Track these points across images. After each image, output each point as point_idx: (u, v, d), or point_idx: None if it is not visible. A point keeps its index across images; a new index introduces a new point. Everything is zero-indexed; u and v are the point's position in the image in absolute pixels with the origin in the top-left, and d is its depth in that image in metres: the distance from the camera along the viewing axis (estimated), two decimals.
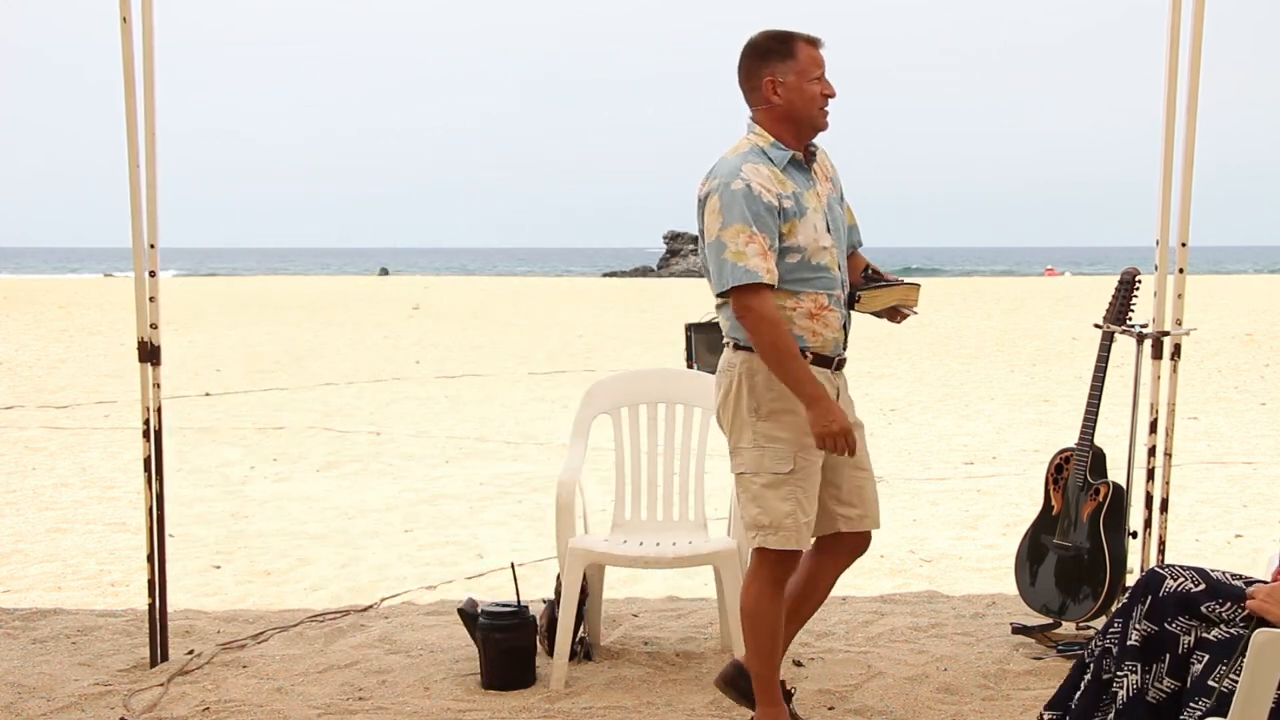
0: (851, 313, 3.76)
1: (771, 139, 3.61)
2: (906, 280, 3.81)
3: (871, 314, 3.81)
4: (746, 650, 3.75)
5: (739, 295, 3.51)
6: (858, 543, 3.83)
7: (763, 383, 3.58)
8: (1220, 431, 10.27)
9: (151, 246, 4.41)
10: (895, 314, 3.82)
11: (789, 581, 3.75)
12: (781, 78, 3.59)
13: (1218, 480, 8.19)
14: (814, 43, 3.63)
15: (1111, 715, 3.14)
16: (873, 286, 3.77)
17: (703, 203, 3.57)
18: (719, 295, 3.58)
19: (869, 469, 3.82)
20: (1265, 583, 3.12)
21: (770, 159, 3.58)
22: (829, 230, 3.64)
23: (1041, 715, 3.40)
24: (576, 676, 4.36)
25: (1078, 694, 3.28)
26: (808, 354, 3.58)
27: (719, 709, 4.07)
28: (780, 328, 3.52)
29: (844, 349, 3.72)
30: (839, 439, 3.50)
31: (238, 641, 4.77)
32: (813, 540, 3.76)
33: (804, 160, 3.65)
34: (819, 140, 3.73)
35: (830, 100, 3.62)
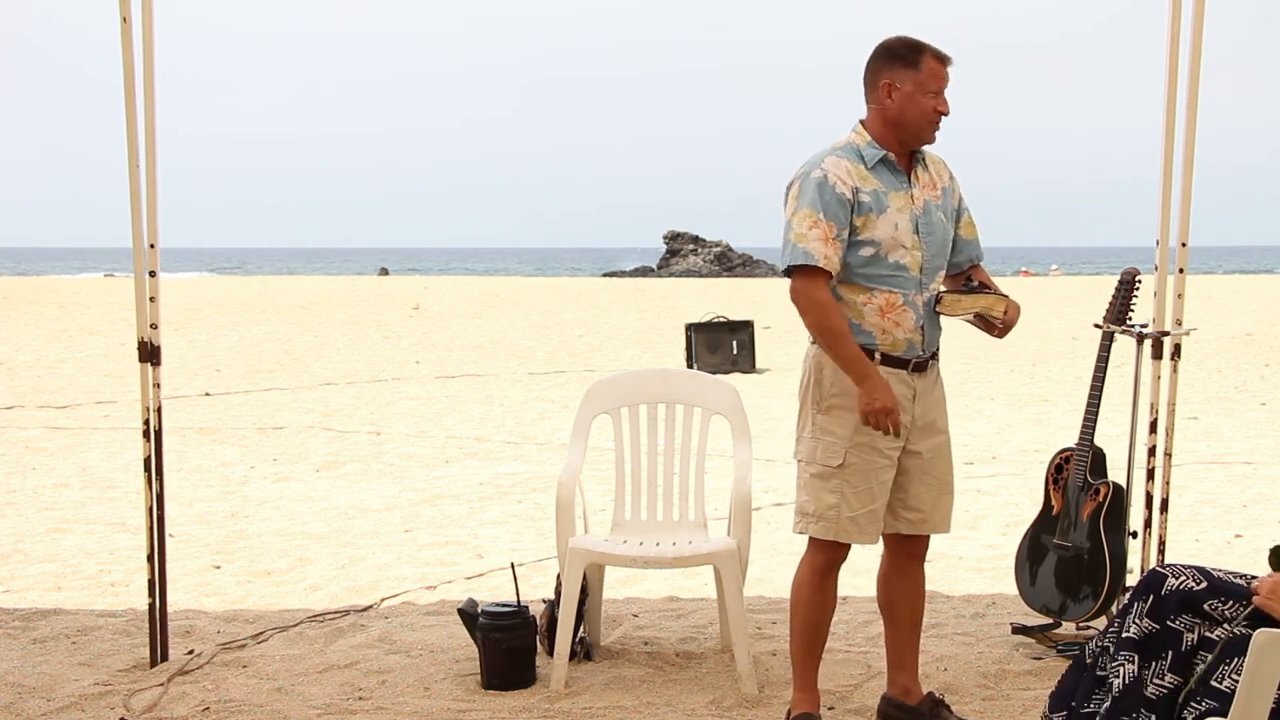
0: (941, 317, 3.80)
1: (870, 138, 3.71)
2: (997, 291, 3.79)
3: (962, 318, 3.81)
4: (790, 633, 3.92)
5: (795, 276, 3.63)
6: (917, 545, 3.93)
7: (829, 376, 3.70)
8: (1220, 431, 10.27)
9: (151, 246, 4.41)
10: (988, 325, 3.83)
11: (878, 586, 3.98)
12: (900, 84, 3.67)
13: (1218, 480, 8.18)
14: (942, 59, 3.69)
15: (1108, 704, 3.14)
16: (958, 291, 3.80)
17: (787, 190, 3.71)
18: (785, 275, 3.71)
19: (943, 477, 3.85)
20: (1268, 577, 3.11)
21: (861, 156, 3.69)
22: (916, 232, 3.69)
23: (1046, 714, 3.40)
24: (576, 676, 4.36)
25: (1077, 693, 3.28)
26: (876, 354, 3.67)
27: (719, 709, 4.07)
28: (829, 311, 3.62)
29: (923, 351, 3.75)
30: (880, 416, 3.59)
31: (238, 641, 4.77)
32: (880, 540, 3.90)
33: (899, 163, 3.72)
34: (937, 151, 3.83)
35: (942, 117, 3.70)
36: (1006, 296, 3.79)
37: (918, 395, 3.75)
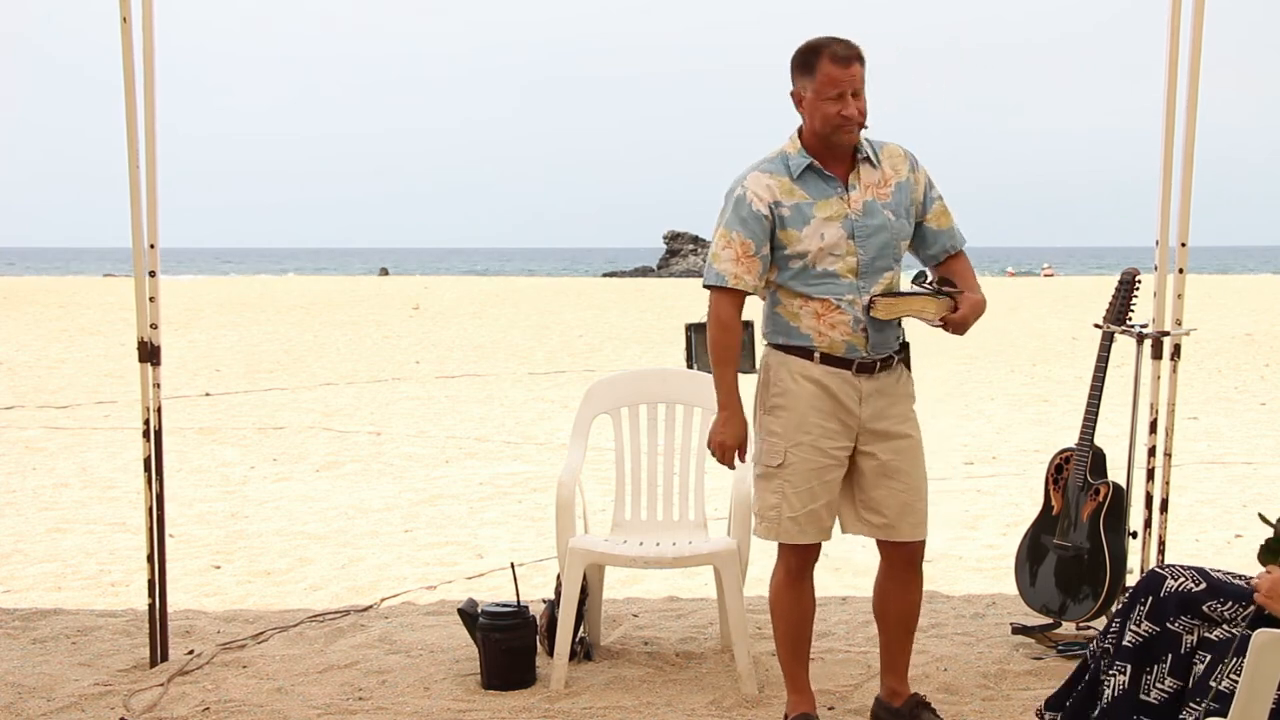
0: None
1: (799, 146, 3.70)
2: (924, 292, 3.71)
3: (900, 319, 3.75)
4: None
5: (710, 294, 3.73)
6: (900, 551, 3.87)
7: (771, 377, 3.74)
8: (1220, 431, 10.27)
9: (151, 246, 4.41)
10: (943, 323, 3.76)
11: (874, 588, 3.97)
12: (804, 91, 3.66)
13: (1218, 480, 8.18)
14: (841, 60, 3.57)
15: (1095, 714, 3.14)
16: (893, 293, 3.73)
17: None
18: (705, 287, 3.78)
19: (907, 482, 3.80)
20: (1267, 574, 3.11)
21: (787, 167, 3.67)
22: (851, 237, 3.65)
23: (1041, 712, 3.40)
24: (576, 676, 4.36)
25: (1074, 694, 3.28)
26: (815, 354, 3.67)
27: (719, 709, 4.07)
28: (726, 331, 3.71)
29: (866, 353, 3.70)
30: (719, 449, 3.74)
31: (238, 641, 4.77)
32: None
33: (833, 168, 3.67)
34: (903, 142, 3.79)
35: (852, 119, 3.60)
36: (933, 298, 3.68)
37: (865, 397, 3.71)
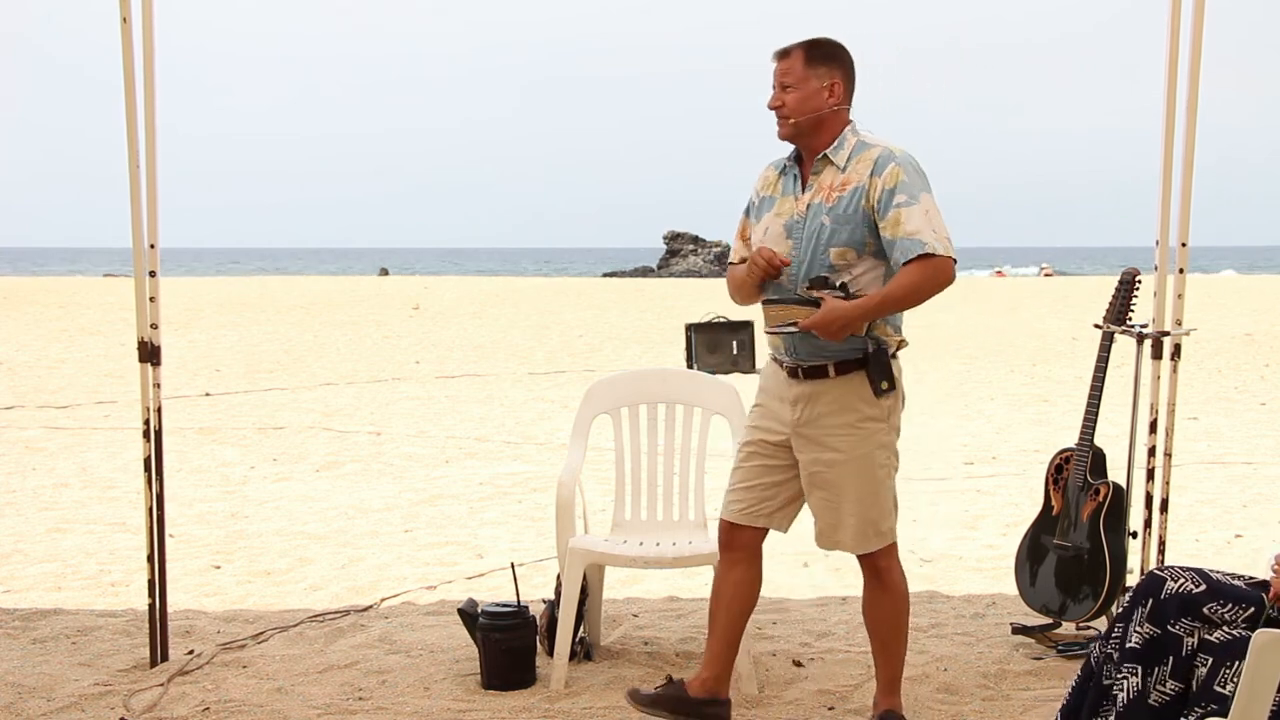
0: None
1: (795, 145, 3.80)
2: (799, 300, 3.64)
3: (782, 326, 3.68)
4: None
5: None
6: (861, 561, 3.85)
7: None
8: (1220, 431, 10.27)
9: (151, 246, 4.41)
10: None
11: None
12: None
13: (1218, 480, 8.18)
14: (774, 56, 3.72)
15: (1112, 718, 3.14)
16: (776, 301, 3.70)
17: None
18: None
19: (836, 496, 3.72)
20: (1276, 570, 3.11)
21: (784, 160, 3.81)
22: (789, 238, 3.69)
23: None
24: (576, 676, 4.36)
25: (1086, 704, 3.26)
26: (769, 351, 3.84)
27: None
28: (732, 281, 3.89)
29: (787, 356, 3.71)
30: (756, 258, 3.71)
31: (238, 641, 4.77)
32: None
33: (803, 167, 3.73)
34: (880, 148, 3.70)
35: (772, 109, 3.71)
36: (795, 304, 3.62)
37: (796, 401, 3.72)
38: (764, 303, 3.74)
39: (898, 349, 3.74)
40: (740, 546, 3.87)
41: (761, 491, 3.82)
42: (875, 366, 3.65)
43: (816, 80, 3.65)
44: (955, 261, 3.59)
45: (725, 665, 3.89)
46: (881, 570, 3.81)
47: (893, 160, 3.61)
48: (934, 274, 3.54)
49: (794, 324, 3.61)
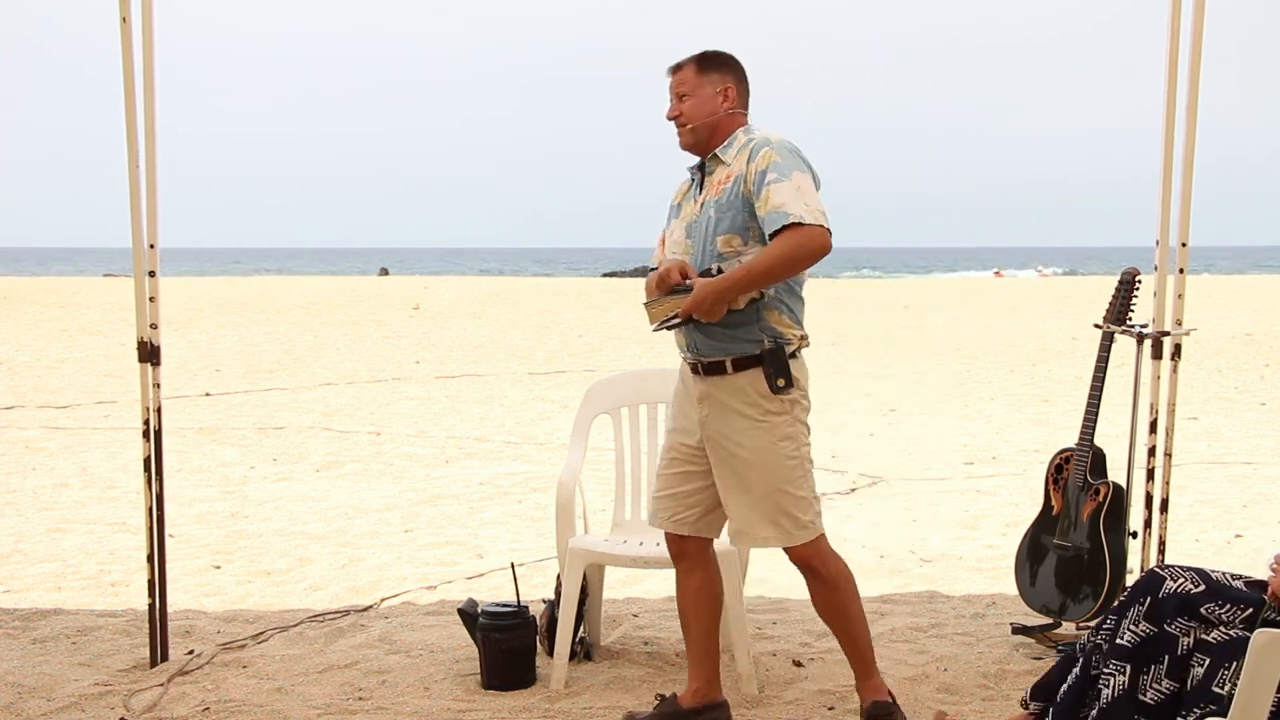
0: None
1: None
2: (674, 293, 3.68)
3: (666, 320, 3.71)
4: None
5: None
6: (790, 553, 3.85)
7: None
8: (1220, 431, 10.27)
9: (151, 246, 4.41)
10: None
11: None
12: None
13: (1218, 480, 8.18)
14: (668, 71, 3.83)
15: (1094, 713, 3.14)
16: (656, 300, 3.72)
17: None
18: None
19: (738, 494, 3.75)
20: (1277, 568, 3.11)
21: (693, 168, 3.88)
22: (689, 238, 3.76)
23: (1025, 701, 3.40)
24: (576, 676, 4.36)
25: (1065, 687, 3.28)
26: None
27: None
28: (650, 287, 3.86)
29: (687, 352, 3.79)
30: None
31: (238, 641, 4.77)
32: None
33: (700, 173, 3.82)
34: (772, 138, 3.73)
35: (674, 122, 3.79)
36: (688, 291, 3.63)
37: (700, 398, 3.78)
38: (644, 304, 3.76)
39: (799, 346, 3.72)
40: (689, 555, 3.94)
41: (684, 499, 3.87)
42: (772, 362, 3.66)
43: (710, 86, 3.75)
44: (829, 232, 3.56)
45: (711, 670, 3.92)
46: (813, 564, 3.80)
47: (767, 145, 3.66)
48: (803, 242, 3.53)
49: (676, 315, 3.66)
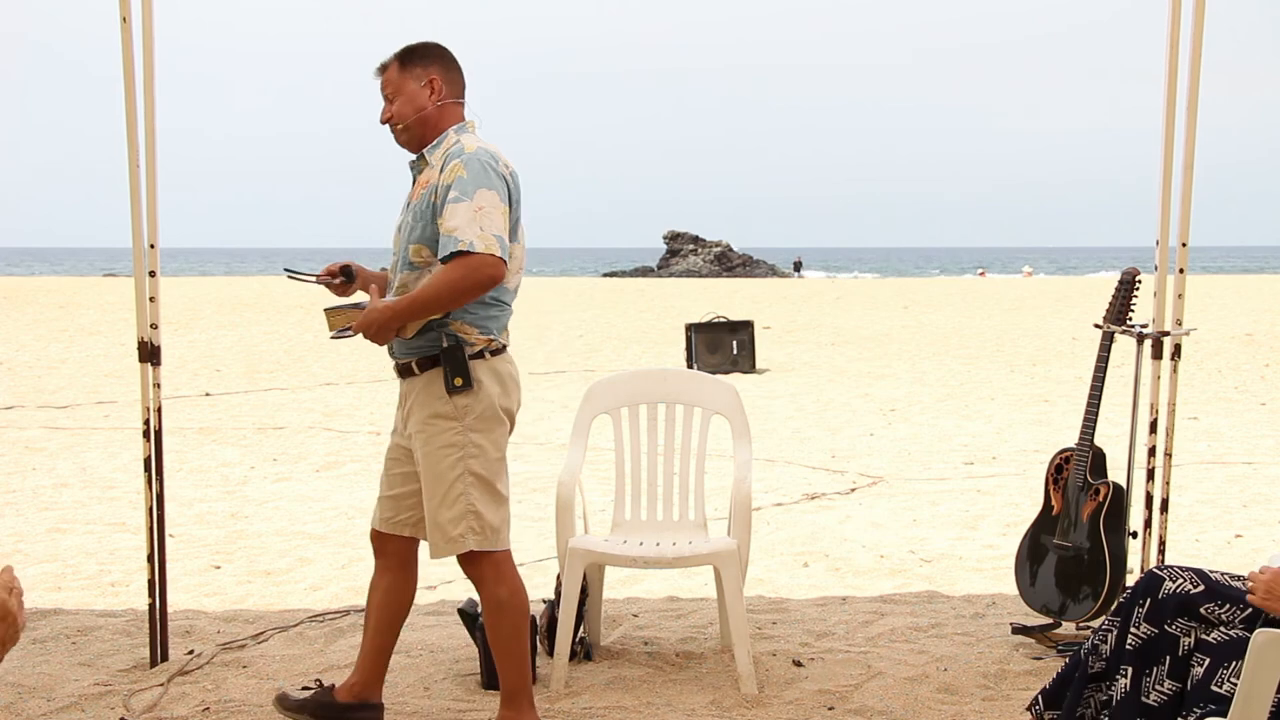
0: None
1: None
2: (353, 305, 3.66)
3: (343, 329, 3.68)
4: None
5: None
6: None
7: None
8: (1220, 431, 10.27)
9: (151, 246, 4.41)
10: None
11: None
12: None
13: (1218, 480, 8.19)
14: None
15: (1105, 717, 3.14)
16: (336, 307, 3.69)
17: None
18: None
19: (426, 505, 3.70)
20: (1260, 574, 3.11)
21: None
22: (395, 240, 3.76)
23: (1040, 713, 3.39)
24: (576, 676, 4.36)
25: (1069, 692, 3.28)
26: None
27: (719, 709, 4.07)
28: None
29: (391, 355, 3.73)
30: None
31: (238, 641, 4.77)
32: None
33: (412, 169, 3.78)
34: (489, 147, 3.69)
35: (388, 125, 3.73)
36: (361, 308, 3.61)
37: (402, 401, 3.76)
38: (324, 309, 3.70)
39: (487, 349, 3.63)
40: (389, 554, 3.88)
41: (403, 501, 3.81)
42: (448, 362, 3.58)
43: (414, 81, 3.68)
44: (502, 261, 3.49)
45: (376, 670, 3.88)
46: (476, 580, 3.72)
47: (459, 157, 3.57)
48: (467, 273, 3.47)
49: (349, 328, 3.64)
